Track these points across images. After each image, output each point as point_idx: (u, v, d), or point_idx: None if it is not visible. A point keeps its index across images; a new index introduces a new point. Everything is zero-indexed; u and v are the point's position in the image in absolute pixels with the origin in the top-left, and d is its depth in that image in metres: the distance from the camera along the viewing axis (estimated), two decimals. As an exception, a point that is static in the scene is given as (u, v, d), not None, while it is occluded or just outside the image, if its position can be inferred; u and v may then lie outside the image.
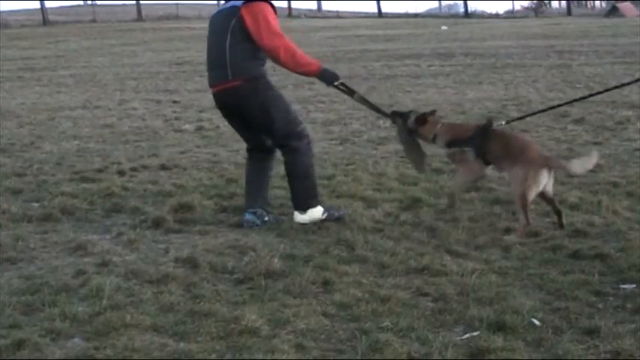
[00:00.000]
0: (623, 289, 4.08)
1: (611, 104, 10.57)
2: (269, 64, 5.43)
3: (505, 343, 3.38)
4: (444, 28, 38.65)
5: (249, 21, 5.18)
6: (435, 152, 6.12)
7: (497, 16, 65.19)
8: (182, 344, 3.48)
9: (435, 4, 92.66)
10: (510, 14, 67.16)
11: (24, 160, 8.06)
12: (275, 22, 5.25)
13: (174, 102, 13.17)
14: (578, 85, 13.39)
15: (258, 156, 5.62)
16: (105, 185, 6.63)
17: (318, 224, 5.32)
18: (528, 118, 7.41)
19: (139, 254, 4.83)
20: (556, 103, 7.93)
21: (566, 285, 4.10)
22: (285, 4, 62.22)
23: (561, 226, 5.15)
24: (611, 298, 3.96)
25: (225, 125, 10.30)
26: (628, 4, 51.33)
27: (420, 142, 5.53)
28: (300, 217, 5.38)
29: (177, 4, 59.99)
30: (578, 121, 9.49)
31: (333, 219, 5.39)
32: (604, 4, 73.43)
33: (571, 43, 23.63)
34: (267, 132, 5.44)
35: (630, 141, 8.26)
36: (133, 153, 8.42)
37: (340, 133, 9.41)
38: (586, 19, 47.35)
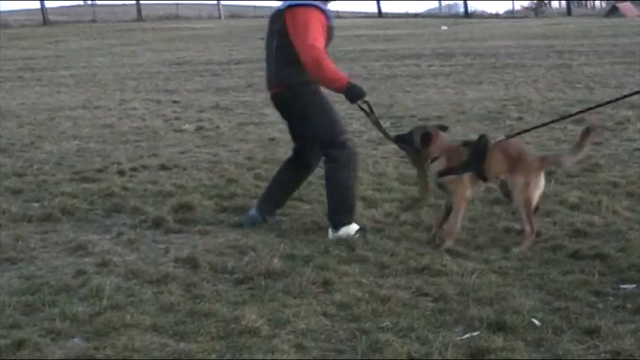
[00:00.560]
0: (623, 289, 4.08)
1: (611, 104, 10.52)
2: None
3: (505, 343, 3.38)
4: (444, 28, 38.63)
5: (290, 26, 4.99)
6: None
7: (497, 16, 65.16)
8: (182, 344, 3.48)
9: (435, 4, 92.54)
10: (510, 14, 67.10)
11: (24, 160, 8.06)
12: (316, 31, 4.95)
13: (174, 102, 13.17)
14: (578, 85, 13.38)
15: (296, 164, 5.47)
16: (105, 185, 6.63)
17: (318, 224, 5.31)
18: (528, 118, 7.39)
19: (139, 254, 4.83)
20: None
21: (566, 285, 4.10)
22: (285, 5, 62.13)
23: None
24: (611, 298, 3.96)
25: (225, 125, 10.36)
26: (628, 4, 51.32)
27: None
28: (331, 235, 5.09)
29: (177, 4, 60.02)
30: (578, 121, 9.46)
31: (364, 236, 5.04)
32: (604, 4, 73.42)
33: (571, 43, 23.62)
34: (310, 138, 5.27)
35: (630, 141, 8.26)
36: (133, 153, 8.42)
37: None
38: (586, 19, 47.34)
